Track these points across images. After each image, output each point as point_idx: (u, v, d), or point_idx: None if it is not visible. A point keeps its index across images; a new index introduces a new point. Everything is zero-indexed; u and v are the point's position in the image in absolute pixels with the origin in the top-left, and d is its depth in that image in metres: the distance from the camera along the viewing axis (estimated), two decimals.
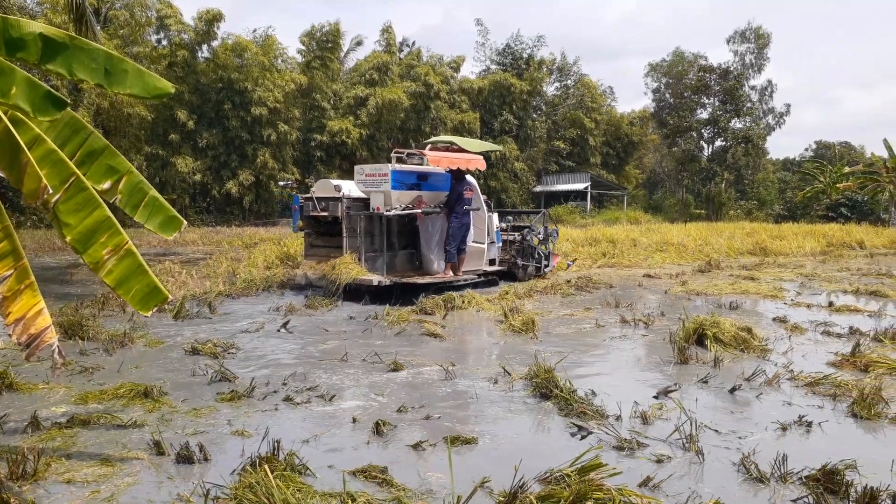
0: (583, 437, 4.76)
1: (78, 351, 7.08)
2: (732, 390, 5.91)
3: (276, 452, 4.12)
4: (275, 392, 5.76)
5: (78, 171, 4.14)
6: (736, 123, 49.54)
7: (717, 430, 4.93)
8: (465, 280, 12.16)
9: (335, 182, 11.61)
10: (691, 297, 11.63)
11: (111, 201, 4.52)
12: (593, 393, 5.69)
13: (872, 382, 5.86)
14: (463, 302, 10.33)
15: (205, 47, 34.84)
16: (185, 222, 4.50)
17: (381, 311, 9.52)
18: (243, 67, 34.04)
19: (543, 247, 13.70)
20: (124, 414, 5.07)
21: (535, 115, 47.49)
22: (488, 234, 12.98)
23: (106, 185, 4.54)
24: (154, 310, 4.48)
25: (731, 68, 48.25)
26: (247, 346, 7.60)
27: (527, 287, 12.10)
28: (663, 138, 53.17)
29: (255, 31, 37.16)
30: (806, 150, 73.03)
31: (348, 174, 36.83)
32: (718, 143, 50.74)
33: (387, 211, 11.05)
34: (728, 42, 49.02)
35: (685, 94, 50.08)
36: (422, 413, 5.25)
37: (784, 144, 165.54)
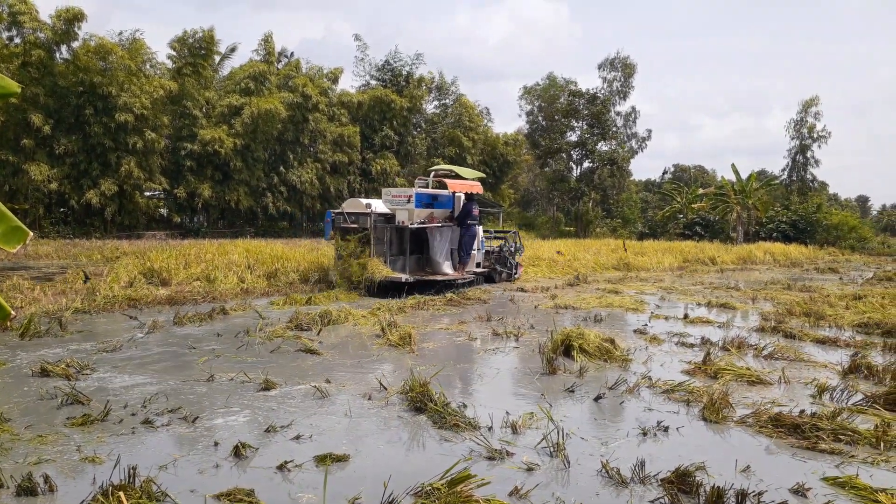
0: None
1: None
2: (597, 398, 6.19)
3: (131, 480, 3.87)
4: (133, 415, 5.41)
5: None
6: (602, 146, 52.32)
7: (582, 438, 5.13)
8: (467, 279, 15.27)
9: (365, 201, 14.17)
10: (560, 311, 12.09)
11: None
12: (464, 405, 5.78)
13: (720, 388, 6.34)
14: (340, 316, 10.22)
15: (64, 48, 32.47)
16: (31, 233, 4.13)
17: (254, 327, 9.21)
18: (107, 71, 31.97)
19: (513, 258, 17.05)
20: None
21: (415, 132, 47.87)
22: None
23: None
24: None
25: (599, 94, 50.94)
26: (104, 365, 7.10)
27: (401, 302, 12.17)
28: (536, 159, 55.21)
29: (121, 33, 35.00)
30: (665, 172, 78.32)
31: (220, 185, 35.76)
32: (586, 164, 53.38)
33: (411, 225, 13.79)
34: (599, 69, 51.79)
35: (556, 118, 52.30)
36: (292, 432, 5.11)
37: (646, 166, 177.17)
